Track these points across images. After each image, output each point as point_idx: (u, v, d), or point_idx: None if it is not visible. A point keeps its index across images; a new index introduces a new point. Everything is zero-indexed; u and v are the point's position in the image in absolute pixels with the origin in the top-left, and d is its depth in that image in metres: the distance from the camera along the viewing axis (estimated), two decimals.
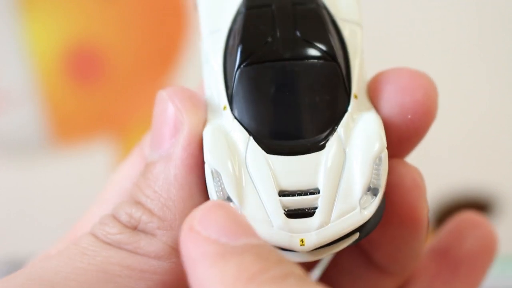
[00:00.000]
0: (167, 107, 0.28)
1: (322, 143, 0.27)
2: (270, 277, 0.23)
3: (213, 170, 0.27)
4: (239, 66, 0.28)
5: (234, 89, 0.28)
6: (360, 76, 0.29)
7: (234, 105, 0.28)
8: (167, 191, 0.28)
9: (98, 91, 0.70)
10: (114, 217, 0.28)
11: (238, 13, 0.29)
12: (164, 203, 0.27)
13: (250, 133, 0.27)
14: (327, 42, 0.28)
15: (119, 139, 0.77)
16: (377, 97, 0.29)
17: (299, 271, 0.24)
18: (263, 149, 0.27)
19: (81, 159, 0.84)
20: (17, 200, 0.91)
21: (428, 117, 0.29)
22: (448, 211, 0.84)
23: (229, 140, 0.27)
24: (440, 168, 0.30)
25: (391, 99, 0.29)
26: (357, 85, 0.29)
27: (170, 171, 0.28)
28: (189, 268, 0.24)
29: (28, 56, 0.68)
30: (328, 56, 0.28)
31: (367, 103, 0.29)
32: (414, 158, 0.31)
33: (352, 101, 0.28)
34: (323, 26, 0.29)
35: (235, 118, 0.28)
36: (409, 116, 0.29)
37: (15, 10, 0.68)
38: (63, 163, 0.85)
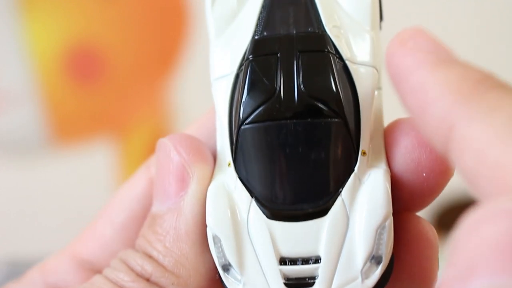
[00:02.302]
0: (173, 157, 0.27)
1: (325, 208, 0.26)
2: (500, 85, 0.21)
3: (213, 234, 0.27)
4: (241, 124, 0.27)
5: (237, 147, 0.27)
6: (371, 128, 0.28)
7: (237, 163, 0.27)
8: (179, 248, 0.27)
9: (98, 91, 0.70)
10: (127, 265, 0.28)
11: (244, 60, 0.28)
12: (177, 260, 0.27)
13: (252, 194, 0.27)
14: (333, 97, 0.27)
15: (119, 139, 0.77)
16: (393, 148, 0.27)
17: None
18: (265, 213, 0.26)
19: (81, 159, 0.84)
20: (17, 200, 0.91)
21: (444, 176, 0.27)
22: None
23: (231, 201, 0.27)
24: None
25: (406, 154, 0.27)
26: (367, 140, 0.27)
27: (181, 227, 0.27)
28: (399, 78, 0.23)
29: (28, 56, 0.68)
30: (334, 113, 0.27)
31: (380, 154, 0.28)
32: None
33: (360, 159, 0.27)
34: (329, 77, 0.27)
35: (238, 177, 0.27)
36: (424, 174, 0.27)
37: (15, 10, 0.68)
38: (63, 163, 0.85)
